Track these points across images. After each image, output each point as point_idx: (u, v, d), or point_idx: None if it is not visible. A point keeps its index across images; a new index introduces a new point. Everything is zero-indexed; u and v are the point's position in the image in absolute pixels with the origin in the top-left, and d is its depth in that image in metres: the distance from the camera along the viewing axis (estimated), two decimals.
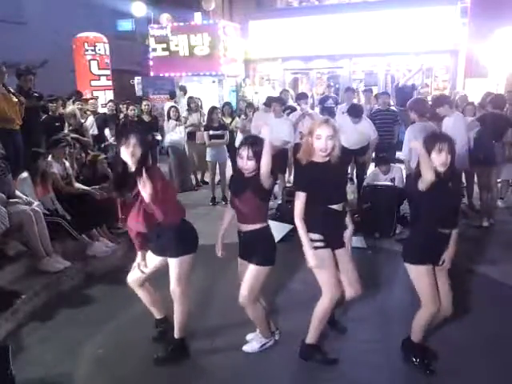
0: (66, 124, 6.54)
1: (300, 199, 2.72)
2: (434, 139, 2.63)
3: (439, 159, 2.58)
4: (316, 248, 2.73)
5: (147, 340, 3.27)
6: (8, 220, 3.91)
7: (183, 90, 10.49)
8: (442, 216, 2.68)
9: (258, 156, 2.66)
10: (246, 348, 3.14)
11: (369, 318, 3.56)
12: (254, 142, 2.73)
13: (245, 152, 2.71)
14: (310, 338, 2.94)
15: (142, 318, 3.48)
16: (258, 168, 2.69)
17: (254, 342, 3.15)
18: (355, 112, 6.32)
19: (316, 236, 2.75)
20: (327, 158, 2.75)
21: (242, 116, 7.95)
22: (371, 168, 6.74)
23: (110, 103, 8.60)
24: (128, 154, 2.65)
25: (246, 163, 2.72)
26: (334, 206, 2.78)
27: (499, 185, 6.54)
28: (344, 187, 2.97)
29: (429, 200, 2.63)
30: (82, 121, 6.73)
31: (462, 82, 10.65)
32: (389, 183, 5.84)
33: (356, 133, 6.22)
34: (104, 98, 9.95)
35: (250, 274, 2.85)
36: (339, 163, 2.78)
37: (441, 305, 2.75)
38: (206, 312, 3.68)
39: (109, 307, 3.81)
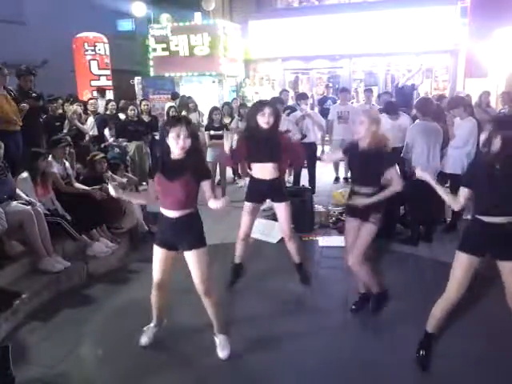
0: (66, 123, 6.54)
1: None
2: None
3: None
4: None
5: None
6: (5, 220, 3.90)
7: (174, 96, 10.45)
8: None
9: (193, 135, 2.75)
10: (222, 355, 3.04)
11: (367, 318, 3.55)
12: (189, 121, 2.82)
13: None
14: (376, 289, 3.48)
15: (142, 317, 3.47)
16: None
17: (224, 347, 3.07)
18: (392, 109, 6.24)
19: None
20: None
21: (237, 116, 7.97)
22: None
23: (111, 103, 8.58)
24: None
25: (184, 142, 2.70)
26: None
27: None
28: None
29: None
30: (79, 124, 6.72)
31: (462, 82, 10.66)
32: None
33: (396, 130, 6.19)
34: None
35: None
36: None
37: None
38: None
39: (109, 307, 3.81)
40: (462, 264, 2.67)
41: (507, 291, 2.67)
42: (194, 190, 2.80)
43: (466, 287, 2.71)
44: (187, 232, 2.85)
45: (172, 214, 2.82)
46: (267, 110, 3.51)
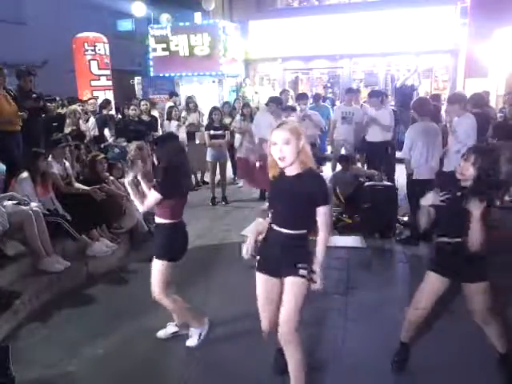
0: (67, 123, 6.53)
1: None
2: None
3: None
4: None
5: (147, 340, 3.27)
6: (7, 220, 3.91)
7: (172, 95, 10.44)
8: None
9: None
10: (189, 343, 3.20)
11: (368, 318, 3.55)
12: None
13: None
14: None
15: (142, 317, 3.48)
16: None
17: (193, 337, 3.22)
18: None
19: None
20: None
21: (239, 116, 7.97)
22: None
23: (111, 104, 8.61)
24: None
25: None
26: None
27: None
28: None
29: None
30: (81, 122, 6.72)
31: (462, 82, 10.65)
32: (389, 183, 5.85)
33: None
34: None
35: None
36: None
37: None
38: (205, 310, 3.68)
39: (109, 307, 3.81)
40: (430, 282, 2.70)
41: (472, 309, 2.67)
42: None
43: (432, 303, 2.71)
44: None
45: None
46: None
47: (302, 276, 2.38)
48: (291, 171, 2.36)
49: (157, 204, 2.93)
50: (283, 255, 2.41)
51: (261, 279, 2.52)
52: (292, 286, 2.39)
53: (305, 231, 2.41)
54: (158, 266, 3.00)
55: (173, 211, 2.99)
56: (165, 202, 2.91)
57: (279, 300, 2.46)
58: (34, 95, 5.80)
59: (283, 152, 2.28)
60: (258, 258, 2.53)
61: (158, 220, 3.02)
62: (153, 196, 2.90)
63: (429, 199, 2.61)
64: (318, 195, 2.34)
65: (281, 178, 2.41)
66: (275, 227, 2.43)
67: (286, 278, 2.41)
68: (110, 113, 8.38)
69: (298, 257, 2.41)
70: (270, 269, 2.47)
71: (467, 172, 2.51)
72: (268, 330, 2.59)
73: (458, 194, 2.54)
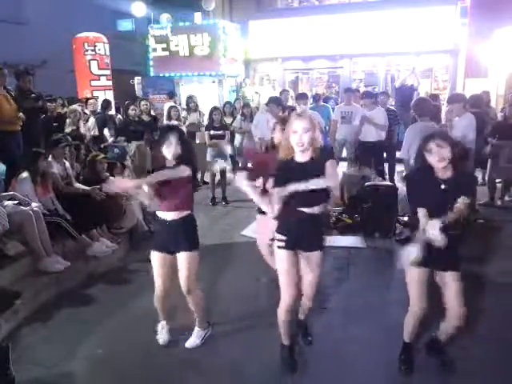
0: (67, 123, 6.54)
1: None
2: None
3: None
4: (279, 248, 2.73)
5: (147, 340, 3.26)
6: (7, 220, 3.91)
7: (172, 95, 10.45)
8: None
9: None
10: (189, 344, 3.19)
11: (368, 318, 3.55)
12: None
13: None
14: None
15: (141, 317, 3.48)
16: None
17: (195, 337, 3.21)
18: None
19: (278, 236, 2.74)
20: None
21: (240, 116, 7.95)
22: None
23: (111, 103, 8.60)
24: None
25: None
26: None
27: (499, 185, 6.56)
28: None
29: None
30: (81, 122, 6.72)
31: (462, 82, 10.65)
32: (389, 183, 5.86)
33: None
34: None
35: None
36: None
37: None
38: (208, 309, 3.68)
39: (109, 307, 3.81)
40: (413, 278, 2.70)
41: (447, 300, 2.67)
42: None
43: (426, 299, 2.70)
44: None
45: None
46: None
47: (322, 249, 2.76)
48: (304, 157, 2.60)
49: (176, 196, 2.87)
50: (307, 232, 2.68)
51: (286, 255, 2.71)
52: (316, 258, 2.75)
53: (321, 208, 2.67)
54: (193, 259, 2.96)
55: (191, 200, 3.02)
56: (186, 189, 2.92)
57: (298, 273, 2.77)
58: (33, 95, 5.80)
59: (302, 139, 2.53)
60: (281, 237, 2.70)
61: (180, 213, 2.92)
62: (184, 170, 2.80)
63: (433, 227, 2.43)
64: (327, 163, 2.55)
65: (293, 164, 2.61)
66: (296, 207, 2.59)
67: (309, 252, 2.72)
68: (110, 113, 8.38)
69: (318, 232, 2.75)
70: (294, 245, 2.72)
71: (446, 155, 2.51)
72: (292, 303, 2.77)
73: (442, 186, 2.55)
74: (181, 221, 2.93)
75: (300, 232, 2.68)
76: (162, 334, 3.24)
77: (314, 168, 2.55)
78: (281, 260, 2.73)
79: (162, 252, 2.99)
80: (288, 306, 2.77)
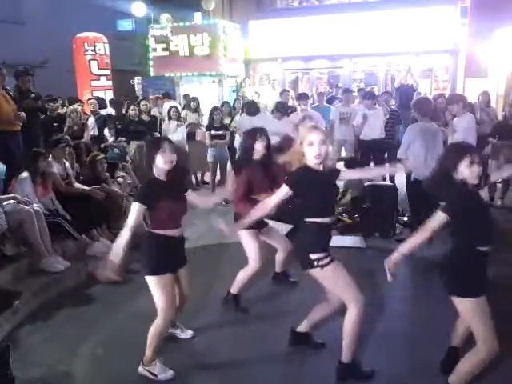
0: (67, 122, 6.54)
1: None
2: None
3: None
4: (325, 266, 2.63)
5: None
6: (5, 220, 3.90)
7: (170, 96, 10.38)
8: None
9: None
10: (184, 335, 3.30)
11: (368, 317, 3.55)
12: None
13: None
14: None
15: (141, 317, 3.47)
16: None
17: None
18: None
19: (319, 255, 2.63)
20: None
21: (239, 116, 7.95)
22: None
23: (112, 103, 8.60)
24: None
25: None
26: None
27: (499, 185, 6.56)
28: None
29: None
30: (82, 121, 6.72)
31: (462, 82, 10.66)
32: (389, 183, 5.85)
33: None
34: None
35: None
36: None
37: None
38: (207, 310, 3.68)
39: (109, 307, 3.81)
40: (475, 309, 2.51)
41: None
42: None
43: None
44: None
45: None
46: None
47: None
48: (319, 167, 2.61)
49: (183, 211, 2.91)
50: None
51: (339, 266, 2.73)
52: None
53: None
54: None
55: None
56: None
57: None
58: (33, 95, 5.80)
59: (320, 151, 2.54)
60: (324, 254, 2.65)
61: (181, 227, 2.93)
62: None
63: None
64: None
65: (311, 174, 2.60)
66: (318, 219, 2.61)
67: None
68: (109, 113, 8.38)
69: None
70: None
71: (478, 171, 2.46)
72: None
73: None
74: (182, 234, 2.94)
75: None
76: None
77: (331, 176, 2.67)
78: (337, 270, 2.71)
79: (175, 272, 2.91)
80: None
